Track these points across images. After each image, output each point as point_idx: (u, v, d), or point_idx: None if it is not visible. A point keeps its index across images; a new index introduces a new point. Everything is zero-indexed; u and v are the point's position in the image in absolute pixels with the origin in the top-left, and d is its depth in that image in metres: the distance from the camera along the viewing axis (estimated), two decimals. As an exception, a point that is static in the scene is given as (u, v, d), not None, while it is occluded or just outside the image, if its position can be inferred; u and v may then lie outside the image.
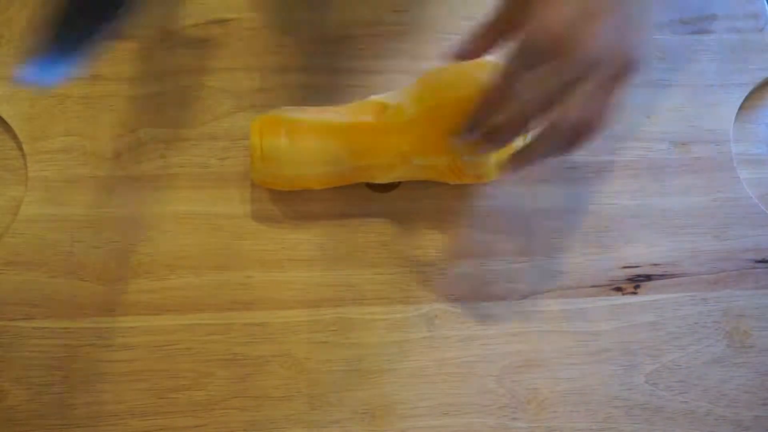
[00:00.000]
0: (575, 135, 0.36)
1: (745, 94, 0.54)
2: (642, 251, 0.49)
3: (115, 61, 0.53)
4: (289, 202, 0.50)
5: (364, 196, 0.50)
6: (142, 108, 0.52)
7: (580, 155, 0.52)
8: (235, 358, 0.45)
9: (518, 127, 0.38)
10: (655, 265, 0.49)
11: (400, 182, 0.51)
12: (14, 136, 0.51)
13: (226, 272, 0.48)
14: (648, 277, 0.49)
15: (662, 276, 0.49)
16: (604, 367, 0.46)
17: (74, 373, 0.45)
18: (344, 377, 0.45)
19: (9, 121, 0.51)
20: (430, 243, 0.49)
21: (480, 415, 0.45)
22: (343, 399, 0.45)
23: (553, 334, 0.47)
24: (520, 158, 0.40)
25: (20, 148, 0.51)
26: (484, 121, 0.40)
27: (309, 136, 0.45)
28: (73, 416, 0.44)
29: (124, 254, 0.48)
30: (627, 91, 0.36)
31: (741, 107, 0.54)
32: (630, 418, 0.45)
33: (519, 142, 0.43)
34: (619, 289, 0.48)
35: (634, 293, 0.48)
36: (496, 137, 0.40)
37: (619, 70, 0.34)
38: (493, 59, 0.42)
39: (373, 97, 0.48)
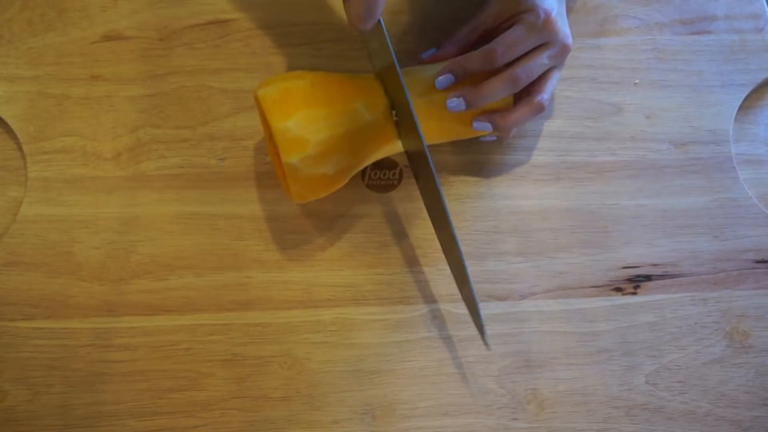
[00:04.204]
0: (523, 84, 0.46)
1: (745, 94, 0.55)
2: (642, 251, 0.49)
3: (115, 61, 0.53)
4: (288, 202, 0.50)
5: (364, 196, 0.50)
6: (142, 108, 0.52)
7: (580, 155, 0.52)
8: (235, 358, 0.46)
9: (507, 80, 0.45)
10: (655, 265, 0.49)
11: (400, 182, 0.51)
12: (14, 137, 0.51)
13: (226, 272, 0.48)
14: (648, 278, 0.49)
15: (662, 276, 0.49)
16: (604, 367, 0.46)
17: (74, 373, 0.45)
18: (344, 377, 0.45)
19: (9, 121, 0.51)
20: (430, 243, 0.49)
21: (480, 415, 0.45)
22: (343, 399, 0.45)
23: (553, 334, 0.47)
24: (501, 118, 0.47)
25: (20, 149, 0.51)
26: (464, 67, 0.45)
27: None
28: (72, 416, 0.44)
29: (124, 254, 0.48)
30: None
31: (741, 107, 0.54)
32: (630, 419, 0.45)
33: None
34: (619, 289, 0.48)
35: (634, 293, 0.48)
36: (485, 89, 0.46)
37: (561, 48, 0.46)
38: None
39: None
